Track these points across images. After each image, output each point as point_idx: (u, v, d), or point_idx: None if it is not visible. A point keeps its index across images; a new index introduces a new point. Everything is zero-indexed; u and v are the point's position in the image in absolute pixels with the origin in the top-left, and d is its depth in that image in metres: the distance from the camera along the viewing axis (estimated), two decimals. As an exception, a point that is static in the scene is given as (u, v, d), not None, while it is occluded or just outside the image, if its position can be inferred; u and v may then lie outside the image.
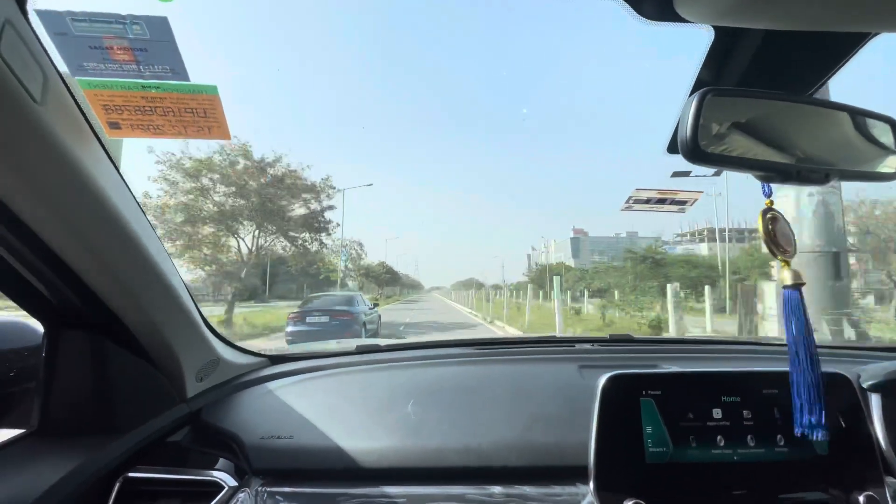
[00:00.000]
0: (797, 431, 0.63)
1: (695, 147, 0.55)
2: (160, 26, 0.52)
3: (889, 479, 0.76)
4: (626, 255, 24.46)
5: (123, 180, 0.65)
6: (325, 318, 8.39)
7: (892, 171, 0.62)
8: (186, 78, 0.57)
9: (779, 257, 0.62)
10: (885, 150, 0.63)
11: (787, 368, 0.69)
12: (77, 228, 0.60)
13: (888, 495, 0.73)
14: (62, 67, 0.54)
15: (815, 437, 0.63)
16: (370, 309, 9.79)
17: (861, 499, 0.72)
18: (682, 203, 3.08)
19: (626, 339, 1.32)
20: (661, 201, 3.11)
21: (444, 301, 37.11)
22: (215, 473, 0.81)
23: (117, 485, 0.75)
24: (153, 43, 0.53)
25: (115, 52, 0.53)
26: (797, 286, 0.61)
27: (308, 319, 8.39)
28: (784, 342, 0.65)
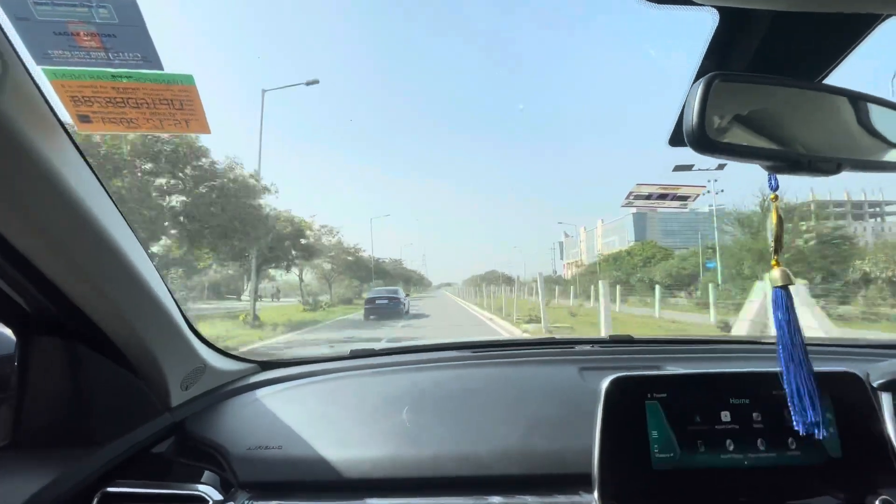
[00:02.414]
0: (801, 431, 0.64)
1: (701, 135, 0.52)
2: (129, 9, 0.48)
3: None
4: None
5: (97, 176, 0.62)
6: (385, 301, 13.83)
7: None
8: (160, 67, 0.53)
9: (776, 256, 0.63)
10: None
11: None
12: (45, 229, 0.57)
13: None
14: (26, 57, 0.50)
15: (819, 435, 0.63)
16: (405, 297, 15.67)
17: (877, 503, 0.69)
18: (685, 198, 3.06)
19: (627, 340, 1.29)
20: (663, 196, 3.08)
21: (469, 310, 18.88)
22: (199, 487, 0.77)
23: (95, 500, 0.71)
24: (122, 28, 0.49)
25: (82, 39, 0.49)
26: (786, 285, 0.63)
27: (376, 302, 13.78)
28: None
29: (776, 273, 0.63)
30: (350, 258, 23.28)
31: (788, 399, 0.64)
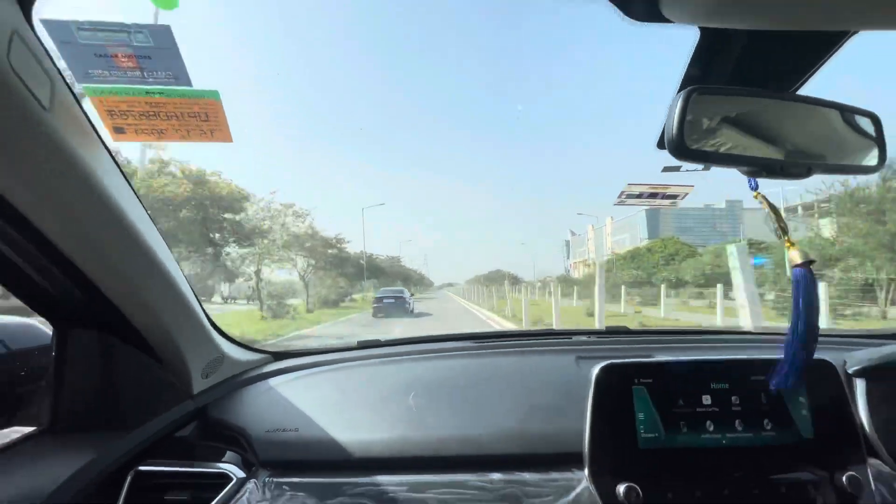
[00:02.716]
0: (772, 386, 0.75)
1: (680, 144, 0.57)
2: (164, 35, 0.53)
3: (872, 461, 0.79)
4: None
5: (129, 183, 0.67)
6: (392, 300, 15.50)
7: (874, 163, 0.65)
8: (189, 84, 0.59)
9: (786, 237, 0.66)
10: (868, 144, 0.65)
11: (773, 356, 0.72)
12: (84, 231, 0.62)
13: (870, 475, 0.76)
14: (68, 75, 0.55)
15: (783, 384, 0.73)
16: (410, 296, 17.37)
17: (844, 479, 0.75)
18: (674, 197, 3.12)
19: (622, 331, 1.35)
20: (653, 195, 3.15)
21: (474, 312, 16.82)
22: (223, 465, 0.84)
23: (129, 478, 0.77)
24: (157, 51, 0.54)
25: (120, 60, 0.55)
26: (807, 264, 0.63)
27: (384, 300, 15.44)
28: (773, 331, 0.70)
29: (793, 253, 0.64)
30: (332, 251, 18.22)
31: (780, 364, 0.71)
